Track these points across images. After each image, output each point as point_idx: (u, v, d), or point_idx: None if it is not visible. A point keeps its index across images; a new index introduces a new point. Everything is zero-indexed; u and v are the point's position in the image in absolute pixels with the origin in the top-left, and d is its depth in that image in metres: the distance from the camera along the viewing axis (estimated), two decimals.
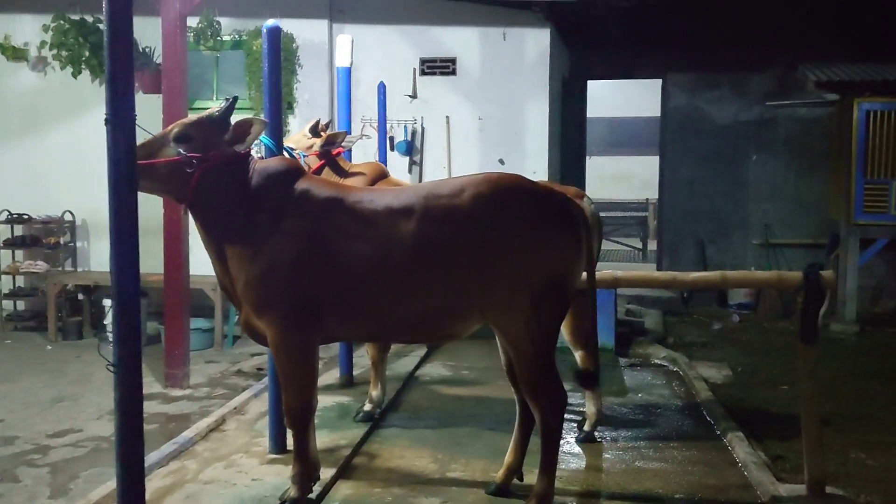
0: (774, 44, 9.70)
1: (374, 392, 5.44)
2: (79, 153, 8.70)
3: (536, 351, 3.74)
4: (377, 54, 8.63)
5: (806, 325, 4.05)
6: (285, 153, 5.26)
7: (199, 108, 8.63)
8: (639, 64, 10.69)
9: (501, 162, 8.60)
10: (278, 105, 4.63)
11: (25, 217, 8.72)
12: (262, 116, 4.16)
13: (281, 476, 4.34)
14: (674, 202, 10.69)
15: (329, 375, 6.38)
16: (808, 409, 4.12)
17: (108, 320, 8.00)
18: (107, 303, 8.09)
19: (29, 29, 8.75)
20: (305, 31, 8.61)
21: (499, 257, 3.63)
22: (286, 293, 3.68)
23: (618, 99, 17.25)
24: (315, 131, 5.32)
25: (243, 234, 3.71)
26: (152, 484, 4.24)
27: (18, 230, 8.80)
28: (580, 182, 11.05)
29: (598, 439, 5.22)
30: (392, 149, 8.59)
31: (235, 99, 3.76)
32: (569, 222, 3.77)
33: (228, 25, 8.58)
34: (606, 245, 13.82)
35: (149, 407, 6.08)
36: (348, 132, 6.11)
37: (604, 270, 4.35)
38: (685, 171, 10.56)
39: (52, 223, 8.80)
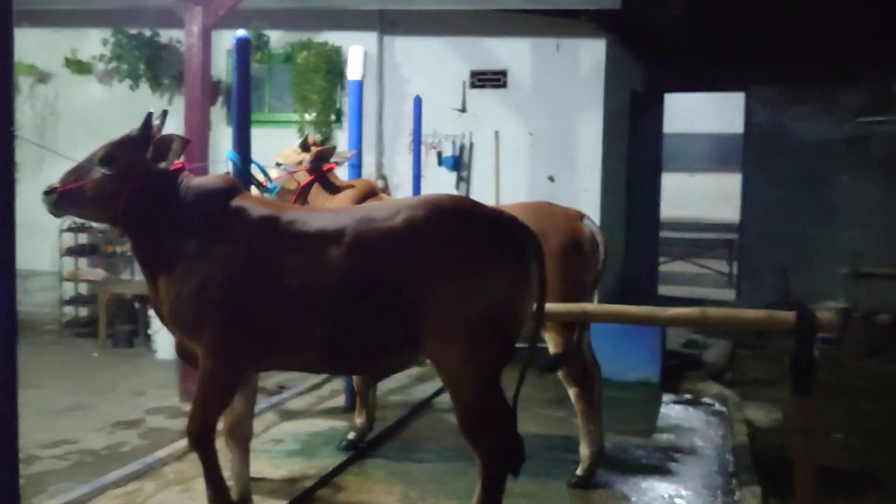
0: (866, 55, 8.87)
1: (359, 420, 5.18)
2: None
3: (475, 391, 3.38)
4: (427, 66, 8.41)
5: (799, 373, 3.52)
6: (275, 169, 5.12)
7: (251, 121, 8.67)
8: (720, 76, 10.03)
9: (551, 179, 8.19)
10: (246, 119, 4.46)
11: (87, 225, 8.95)
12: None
13: None
14: (755, 225, 9.96)
15: (337, 399, 6.17)
16: (801, 471, 3.57)
17: (152, 329, 8.10)
18: (152, 312, 8.18)
19: (94, 43, 9.00)
20: (355, 44, 8.41)
21: (431, 286, 3.29)
22: (216, 317, 3.46)
23: (724, 113, 16.37)
24: (305, 146, 5.12)
25: (173, 254, 3.52)
26: None
27: (82, 238, 9.05)
28: (654, 200, 10.48)
29: (596, 485, 4.76)
30: (439, 164, 8.34)
31: (150, 115, 3.61)
32: (513, 250, 3.39)
33: (281, 38, 8.56)
34: (690, 269, 13.10)
35: (154, 421, 6.05)
36: (358, 147, 5.89)
37: (576, 303, 3.94)
38: (768, 193, 9.82)
39: (111, 232, 8.99)
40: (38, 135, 9.40)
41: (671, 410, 6.62)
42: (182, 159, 3.81)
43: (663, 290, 11.16)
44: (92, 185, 3.53)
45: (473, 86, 8.36)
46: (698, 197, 16.62)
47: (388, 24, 8.47)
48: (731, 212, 15.42)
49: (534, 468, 5.12)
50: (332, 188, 5.08)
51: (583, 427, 4.76)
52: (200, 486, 4.43)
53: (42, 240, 8.87)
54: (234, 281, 3.42)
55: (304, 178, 5.09)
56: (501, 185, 8.29)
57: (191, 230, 3.50)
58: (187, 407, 6.30)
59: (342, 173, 5.78)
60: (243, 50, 4.38)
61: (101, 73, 9.04)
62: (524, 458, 3.59)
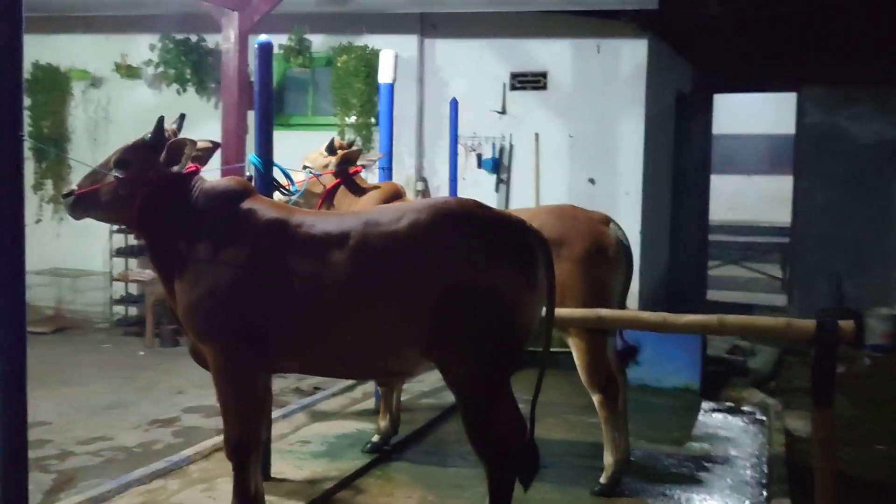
0: None
1: (383, 423, 5.18)
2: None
3: (481, 398, 3.36)
4: (468, 69, 8.39)
5: (819, 382, 3.40)
6: (302, 172, 5.15)
7: (294, 125, 8.79)
8: (771, 76, 9.78)
9: (592, 181, 8.10)
10: (268, 122, 4.50)
11: None
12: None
13: None
14: (807, 229, 9.68)
15: (369, 402, 6.18)
16: (820, 484, 3.45)
17: None
18: None
19: (144, 48, 9.21)
20: (395, 47, 8.44)
21: (434, 291, 3.27)
22: (225, 319, 3.49)
23: (779, 114, 15.98)
24: (332, 149, 5.14)
25: (185, 257, 3.56)
26: (123, 501, 4.22)
27: (132, 240, 9.26)
28: (703, 203, 10.27)
29: (621, 493, 4.68)
30: (479, 166, 8.31)
31: (162, 119, 3.66)
32: (520, 254, 3.34)
33: (324, 42, 8.63)
34: (743, 273, 12.81)
35: (190, 420, 6.16)
36: (389, 150, 5.90)
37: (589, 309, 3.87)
38: (820, 195, 9.53)
39: None
40: (91, 138, 9.67)
41: (709, 418, 6.47)
42: (206, 163, 3.89)
43: (713, 294, 10.94)
44: (107, 189, 3.60)
45: (513, 88, 8.31)
46: (755, 199, 16.24)
47: (429, 26, 8.48)
48: (787, 215, 15.06)
49: (559, 475, 5.09)
50: (358, 191, 5.09)
51: (606, 434, 4.68)
52: (223, 485, 4.52)
53: (94, 241, 9.11)
54: (240, 284, 3.44)
55: (330, 180, 5.11)
56: (541, 188, 8.23)
57: (201, 233, 3.53)
58: None
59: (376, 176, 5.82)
60: (265, 55, 4.41)
61: (150, 78, 9.24)
62: (538, 469, 3.54)
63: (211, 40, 8.92)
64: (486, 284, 3.26)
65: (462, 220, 3.36)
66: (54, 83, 9.64)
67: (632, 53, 7.88)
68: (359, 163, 5.26)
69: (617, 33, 7.87)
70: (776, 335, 3.51)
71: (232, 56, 6.44)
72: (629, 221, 7.92)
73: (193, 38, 8.78)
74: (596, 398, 4.67)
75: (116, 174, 3.56)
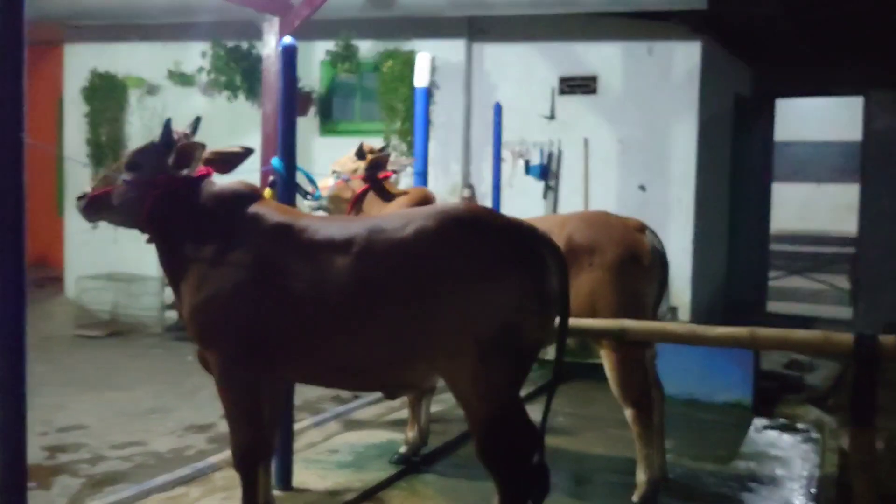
0: None
1: (410, 434, 5.06)
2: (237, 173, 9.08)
3: (489, 412, 3.21)
4: (515, 73, 8.25)
5: (859, 401, 3.15)
6: (331, 178, 5.08)
7: (342, 130, 8.76)
8: (836, 80, 9.37)
9: (642, 188, 7.85)
10: (292, 125, 4.43)
11: None
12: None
13: None
14: (874, 239, 9.22)
15: (405, 411, 6.06)
16: None
17: None
18: None
19: (197, 56, 9.31)
20: (443, 52, 8.39)
21: (439, 299, 3.14)
22: (227, 325, 3.43)
23: (852, 119, 15.39)
24: (361, 154, 5.06)
25: (191, 260, 3.51)
26: None
27: None
28: (764, 211, 9.89)
29: None
30: (527, 173, 8.15)
31: (169, 122, 3.62)
32: (529, 263, 3.18)
33: (372, 48, 8.59)
34: (808, 285, 12.31)
35: (226, 426, 6.11)
36: (422, 156, 5.80)
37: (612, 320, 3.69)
38: (889, 204, 9.07)
39: None
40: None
41: (759, 436, 6.16)
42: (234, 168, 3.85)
43: (774, 306, 10.52)
44: (117, 192, 3.57)
45: (562, 92, 8.13)
46: (824, 208, 15.63)
47: (477, 31, 8.36)
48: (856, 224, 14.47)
49: (594, 491, 4.91)
50: (387, 196, 4.99)
51: (640, 451, 4.47)
52: None
53: (147, 245, 9.21)
54: (242, 289, 3.37)
55: (359, 186, 5.03)
56: (590, 195, 8.01)
57: (206, 236, 3.48)
58: None
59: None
60: (289, 57, 4.36)
61: (203, 85, 9.33)
62: (548, 489, 3.38)
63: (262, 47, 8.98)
64: (492, 293, 3.10)
65: (469, 226, 3.22)
66: (111, 91, 9.83)
67: (685, 56, 7.62)
68: (389, 168, 5.17)
69: (669, 35, 7.63)
70: (813, 350, 3.27)
71: (272, 62, 6.42)
72: (681, 230, 7.67)
73: (245, 45, 8.82)
74: (629, 413, 4.47)
75: (124, 177, 3.53)
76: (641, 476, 4.46)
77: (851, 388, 3.16)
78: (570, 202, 8.08)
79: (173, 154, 3.54)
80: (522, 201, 8.00)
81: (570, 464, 5.35)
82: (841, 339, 3.21)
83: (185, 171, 3.55)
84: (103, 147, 9.85)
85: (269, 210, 3.54)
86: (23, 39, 2.95)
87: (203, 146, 3.58)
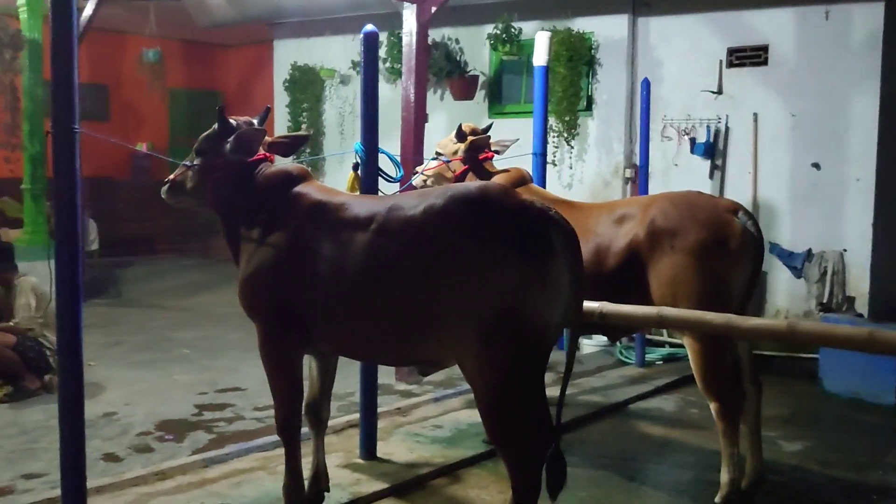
0: None
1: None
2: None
3: (494, 393, 3.18)
4: (682, 47, 7.85)
5: None
6: (440, 160, 5.17)
7: (509, 112, 8.81)
8: None
9: (816, 166, 7.20)
10: (374, 110, 4.57)
11: None
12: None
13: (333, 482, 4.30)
14: None
15: None
16: None
17: None
18: None
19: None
20: (606, 29, 8.17)
21: (441, 277, 3.17)
22: (267, 299, 3.68)
23: None
24: (461, 136, 5.10)
25: (244, 238, 3.80)
26: (239, 464, 4.59)
27: None
28: None
29: None
30: (692, 151, 7.75)
31: (222, 108, 3.87)
32: (532, 244, 3.10)
33: (535, 29, 8.53)
34: None
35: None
36: (541, 137, 5.73)
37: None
38: None
39: None
40: (338, 131, 10.45)
41: None
42: (293, 153, 4.09)
43: None
44: (188, 176, 3.92)
45: (731, 65, 7.61)
46: None
47: (642, 4, 8.03)
48: None
49: (688, 488, 4.65)
50: (485, 176, 4.99)
51: (724, 449, 4.18)
52: (334, 459, 4.71)
53: None
54: (281, 265, 3.59)
55: (458, 167, 5.08)
56: (759, 174, 7.47)
57: (256, 216, 3.73)
58: (400, 386, 6.69)
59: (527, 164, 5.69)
60: (370, 45, 4.50)
61: (386, 74, 9.77)
62: (564, 481, 3.29)
63: (436, 34, 9.20)
64: (495, 275, 3.07)
65: (476, 206, 3.20)
66: (309, 82, 10.55)
67: (865, 19, 6.85)
68: (493, 149, 5.18)
69: None
70: (856, 348, 2.86)
71: (411, 49, 6.62)
72: (859, 212, 6.98)
73: None
74: (713, 406, 4.19)
75: (185, 163, 3.87)
76: (725, 476, 4.18)
77: None
78: (738, 182, 7.58)
79: (232, 140, 3.80)
80: (687, 181, 7.63)
81: (680, 456, 5.11)
82: (889, 337, 2.83)
83: (239, 155, 3.80)
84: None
85: (311, 190, 3.73)
86: (74, 40, 3.30)
87: (262, 132, 3.83)
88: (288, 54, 10.81)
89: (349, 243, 3.43)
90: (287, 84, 10.68)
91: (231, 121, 3.86)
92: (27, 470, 4.71)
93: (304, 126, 10.61)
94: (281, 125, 10.89)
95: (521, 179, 4.96)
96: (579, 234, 4.31)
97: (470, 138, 5.09)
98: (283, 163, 4.04)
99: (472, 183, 3.52)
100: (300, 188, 3.74)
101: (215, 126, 3.91)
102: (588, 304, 3.63)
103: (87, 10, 9.78)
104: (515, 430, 3.20)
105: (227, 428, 5.65)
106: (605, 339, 7.17)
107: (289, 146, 4.11)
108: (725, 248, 4.14)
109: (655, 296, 4.18)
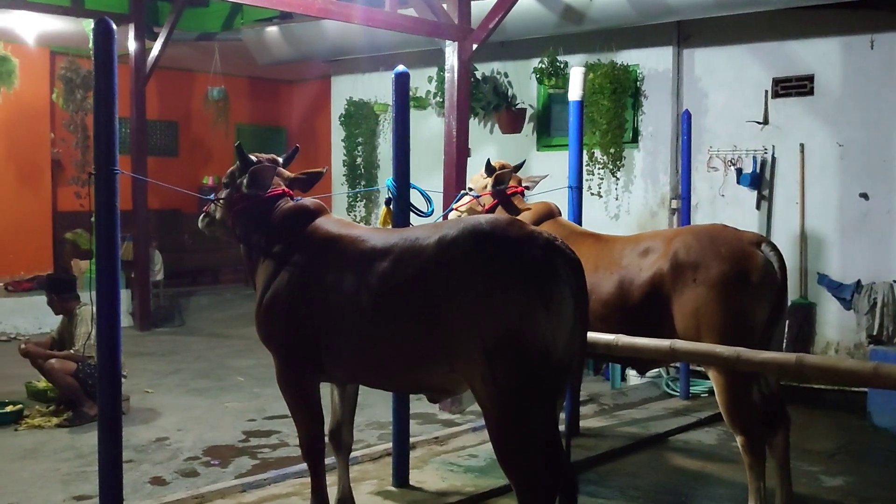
0: None
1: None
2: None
3: (500, 416, 3.31)
4: (727, 77, 7.86)
5: None
6: (469, 195, 5.31)
7: (556, 145, 8.91)
8: None
9: (864, 196, 7.10)
10: (405, 147, 4.75)
11: None
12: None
13: None
14: None
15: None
16: None
17: None
18: None
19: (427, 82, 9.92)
20: (650, 61, 8.23)
21: (449, 306, 3.31)
22: (283, 329, 3.86)
23: None
24: (490, 170, 5.23)
25: (261, 269, 4.00)
26: (275, 489, 4.75)
27: None
28: None
29: None
30: (738, 182, 7.72)
31: (241, 145, 4.08)
32: (535, 273, 3.22)
33: (580, 61, 8.63)
34: None
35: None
36: (577, 170, 5.82)
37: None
38: None
39: None
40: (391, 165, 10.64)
41: None
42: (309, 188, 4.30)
43: None
44: (216, 209, 4.17)
45: (776, 95, 7.59)
46: None
47: (686, 37, 8.07)
48: None
49: None
50: (513, 210, 5.11)
51: (751, 483, 4.19)
52: (363, 487, 4.84)
53: None
54: (298, 296, 3.77)
55: (488, 201, 5.21)
56: (807, 204, 7.39)
57: (271, 249, 3.94)
58: (442, 415, 6.79)
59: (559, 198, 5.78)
60: (401, 85, 4.69)
61: (437, 108, 9.97)
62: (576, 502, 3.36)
63: (485, 68, 9.38)
64: (499, 301, 3.19)
65: (483, 237, 3.34)
66: (363, 116, 10.82)
67: None
68: (524, 184, 5.29)
69: (893, 25, 6.82)
70: (861, 382, 2.85)
71: (454, 84, 6.79)
72: None
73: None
74: (739, 440, 4.20)
75: (207, 198, 4.10)
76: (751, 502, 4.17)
77: None
78: (785, 213, 7.52)
79: (247, 176, 4.01)
80: (734, 212, 7.61)
81: (713, 489, 5.08)
82: (891, 370, 2.83)
83: (253, 191, 4.00)
84: (357, 168, 10.87)
85: (328, 223, 3.91)
86: (114, 86, 3.54)
87: (274, 169, 4.03)
88: (344, 89, 11.11)
89: (364, 273, 3.59)
90: (342, 119, 10.96)
91: (251, 157, 4.07)
92: (79, 492, 4.95)
93: (358, 160, 10.88)
94: (337, 159, 11.18)
95: (549, 213, 5.06)
96: (604, 266, 4.38)
97: (498, 173, 5.22)
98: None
99: (484, 216, 3.65)
100: (317, 222, 3.93)
101: (235, 165, 4.14)
102: (604, 336, 3.71)
103: (154, 51, 10.25)
104: (522, 454, 3.28)
105: (271, 454, 5.84)
106: (657, 370, 7.17)
107: (306, 182, 4.31)
108: (747, 281, 4.17)
109: (679, 328, 4.22)
